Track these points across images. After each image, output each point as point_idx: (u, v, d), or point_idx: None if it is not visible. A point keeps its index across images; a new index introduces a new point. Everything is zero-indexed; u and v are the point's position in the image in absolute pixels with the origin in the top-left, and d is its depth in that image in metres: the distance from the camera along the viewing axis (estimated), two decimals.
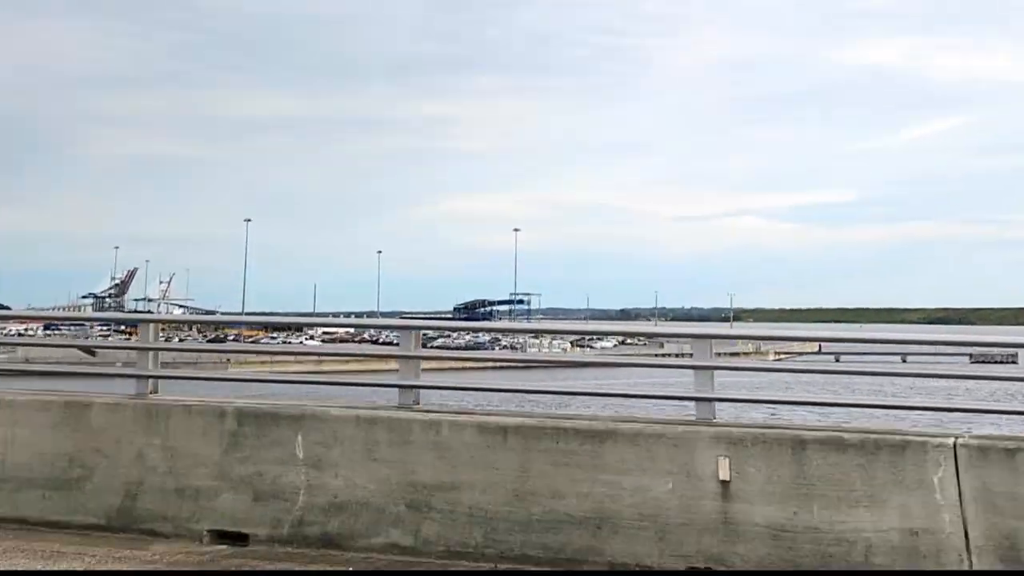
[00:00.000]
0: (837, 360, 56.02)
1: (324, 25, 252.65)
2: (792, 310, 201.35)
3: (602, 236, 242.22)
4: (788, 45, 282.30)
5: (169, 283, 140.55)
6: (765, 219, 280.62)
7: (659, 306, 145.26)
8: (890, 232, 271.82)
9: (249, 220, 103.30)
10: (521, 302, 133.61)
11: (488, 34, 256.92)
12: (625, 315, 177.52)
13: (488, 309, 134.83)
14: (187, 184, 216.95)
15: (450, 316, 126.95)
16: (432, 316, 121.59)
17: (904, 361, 46.06)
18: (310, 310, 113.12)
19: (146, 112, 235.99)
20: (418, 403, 6.84)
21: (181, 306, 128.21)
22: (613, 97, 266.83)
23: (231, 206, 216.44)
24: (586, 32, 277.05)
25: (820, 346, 75.98)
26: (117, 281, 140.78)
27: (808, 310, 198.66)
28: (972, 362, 54.66)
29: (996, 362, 54.30)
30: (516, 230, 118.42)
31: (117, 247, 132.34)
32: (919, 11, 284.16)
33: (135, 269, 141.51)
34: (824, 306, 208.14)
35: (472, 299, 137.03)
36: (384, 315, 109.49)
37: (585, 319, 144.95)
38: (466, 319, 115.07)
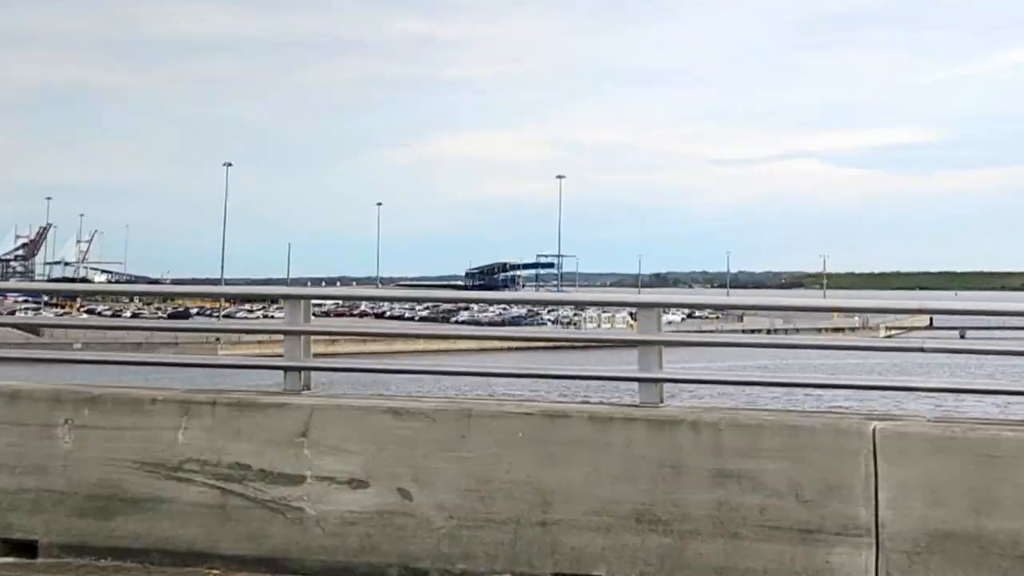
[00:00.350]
0: (962, 336, 43.18)
1: None
2: (866, 274, 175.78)
3: (629, 185, 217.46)
4: None
5: (90, 243, 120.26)
6: (828, 164, 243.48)
7: (701, 269, 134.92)
8: (985, 179, 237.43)
9: (230, 164, 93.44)
10: (551, 265, 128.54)
11: None
12: (661, 280, 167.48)
13: (510, 275, 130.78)
14: (115, 121, 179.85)
15: (462, 283, 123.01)
16: (440, 283, 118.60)
17: None
18: (283, 276, 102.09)
19: (60, 27, 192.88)
20: (308, 387, 6.09)
21: (105, 271, 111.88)
22: (641, 16, 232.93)
23: (173, 148, 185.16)
24: None
25: (932, 319, 66.56)
26: (25, 241, 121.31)
27: (886, 274, 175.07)
28: None
29: None
30: (560, 177, 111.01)
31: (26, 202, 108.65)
32: None
33: (48, 226, 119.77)
34: (905, 270, 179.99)
35: (491, 262, 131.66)
36: (385, 282, 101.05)
37: (609, 285, 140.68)
38: (481, 287, 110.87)
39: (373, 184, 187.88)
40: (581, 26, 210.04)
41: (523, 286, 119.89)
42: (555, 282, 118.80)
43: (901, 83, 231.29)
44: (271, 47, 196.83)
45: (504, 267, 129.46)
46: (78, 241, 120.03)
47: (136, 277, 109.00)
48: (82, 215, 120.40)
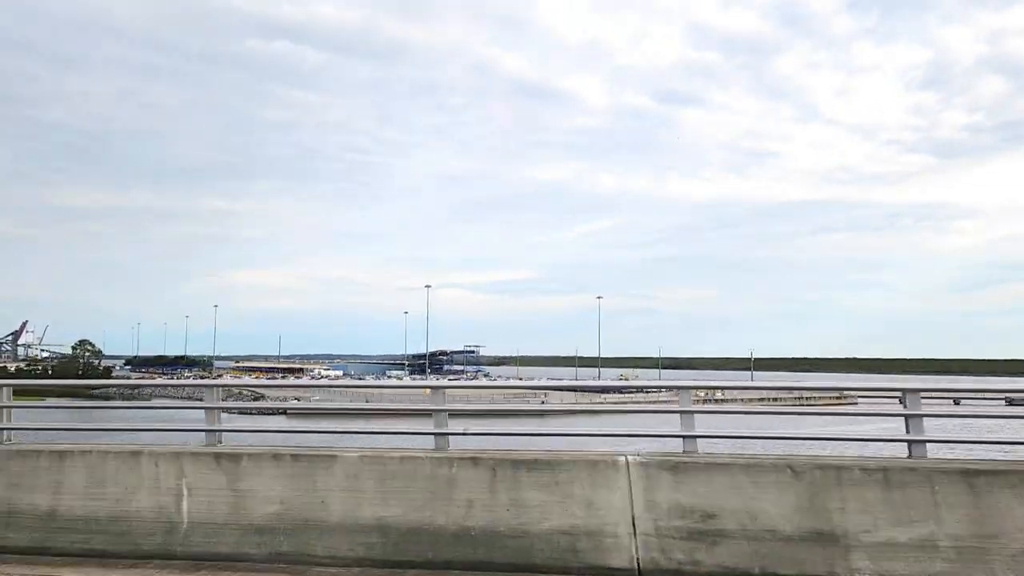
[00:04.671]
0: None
1: (142, 138, 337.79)
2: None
3: (347, 303, 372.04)
4: (491, 165, 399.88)
5: (44, 333, 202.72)
6: (468, 291, 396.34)
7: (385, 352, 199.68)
8: (564, 301, 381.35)
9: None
10: (472, 352, 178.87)
11: (268, 150, 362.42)
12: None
13: (448, 357, 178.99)
14: (31, 259, 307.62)
15: (409, 364, 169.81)
16: (393, 363, 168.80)
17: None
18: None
19: None
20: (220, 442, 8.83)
21: (44, 350, 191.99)
22: (360, 199, 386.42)
23: (65, 277, 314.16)
24: (342, 150, 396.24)
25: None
26: (14, 331, 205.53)
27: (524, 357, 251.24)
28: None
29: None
30: (428, 286, 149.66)
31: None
32: (587, 143, 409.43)
33: (25, 321, 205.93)
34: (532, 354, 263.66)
35: (432, 350, 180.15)
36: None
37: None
38: (422, 368, 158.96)
39: (195, 300, 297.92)
40: (323, 206, 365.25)
41: (455, 365, 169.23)
42: (475, 364, 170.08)
43: (515, 244, 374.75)
44: (125, 214, 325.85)
45: (443, 353, 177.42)
46: (29, 332, 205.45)
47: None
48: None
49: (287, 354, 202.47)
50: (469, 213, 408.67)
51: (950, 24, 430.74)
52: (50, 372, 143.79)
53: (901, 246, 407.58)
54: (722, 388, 11.39)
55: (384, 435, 9.29)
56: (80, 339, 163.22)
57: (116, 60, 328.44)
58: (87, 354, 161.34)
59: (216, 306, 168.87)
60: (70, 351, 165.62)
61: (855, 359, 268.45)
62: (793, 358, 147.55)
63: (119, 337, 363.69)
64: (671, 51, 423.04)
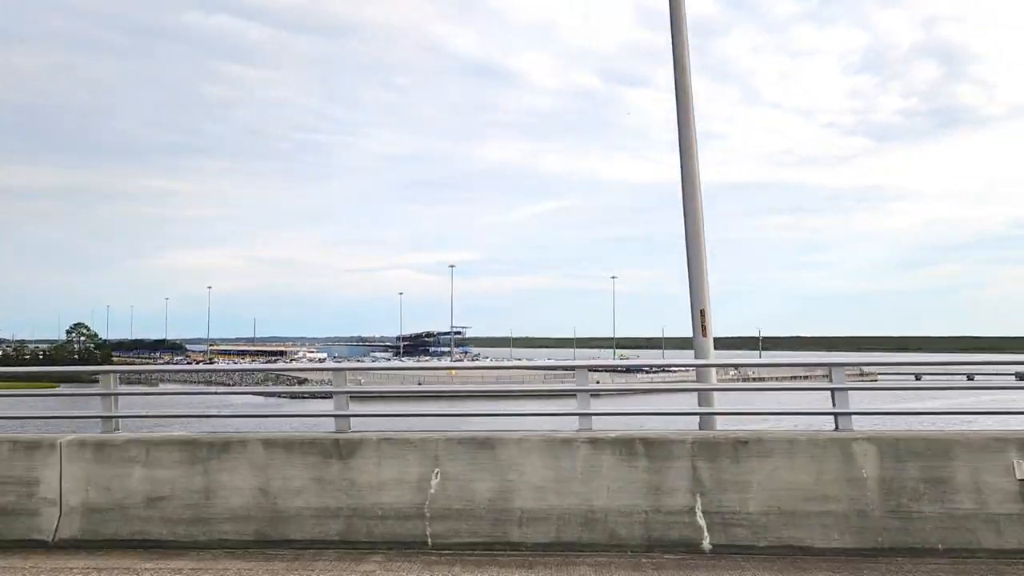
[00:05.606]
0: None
1: (81, 114, 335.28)
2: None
3: (295, 283, 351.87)
4: (439, 145, 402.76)
5: None
6: (415, 271, 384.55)
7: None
8: (508, 282, 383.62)
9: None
10: (459, 333, 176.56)
11: (213, 128, 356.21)
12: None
13: (435, 338, 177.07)
14: None
15: (392, 346, 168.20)
16: (377, 344, 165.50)
17: None
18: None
19: None
20: None
21: None
22: (307, 179, 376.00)
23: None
24: (288, 128, 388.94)
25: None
26: None
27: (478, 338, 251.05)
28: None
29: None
30: (451, 266, 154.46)
31: None
32: (534, 123, 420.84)
33: None
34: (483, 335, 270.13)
35: (418, 331, 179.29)
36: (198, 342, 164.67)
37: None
38: (415, 347, 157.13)
39: (142, 281, 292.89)
40: (270, 185, 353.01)
41: (444, 346, 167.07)
42: (463, 344, 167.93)
43: (462, 224, 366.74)
44: (75, 192, 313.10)
45: (430, 334, 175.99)
46: None
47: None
48: None
49: (242, 336, 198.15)
50: (419, 193, 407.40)
51: (887, 9, 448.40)
52: (41, 357, 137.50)
53: (840, 227, 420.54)
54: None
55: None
56: (75, 322, 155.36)
57: (52, 34, 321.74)
58: (83, 338, 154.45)
59: (210, 287, 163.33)
60: (65, 336, 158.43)
61: (799, 337, 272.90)
62: (742, 337, 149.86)
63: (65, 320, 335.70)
64: (619, 31, 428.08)
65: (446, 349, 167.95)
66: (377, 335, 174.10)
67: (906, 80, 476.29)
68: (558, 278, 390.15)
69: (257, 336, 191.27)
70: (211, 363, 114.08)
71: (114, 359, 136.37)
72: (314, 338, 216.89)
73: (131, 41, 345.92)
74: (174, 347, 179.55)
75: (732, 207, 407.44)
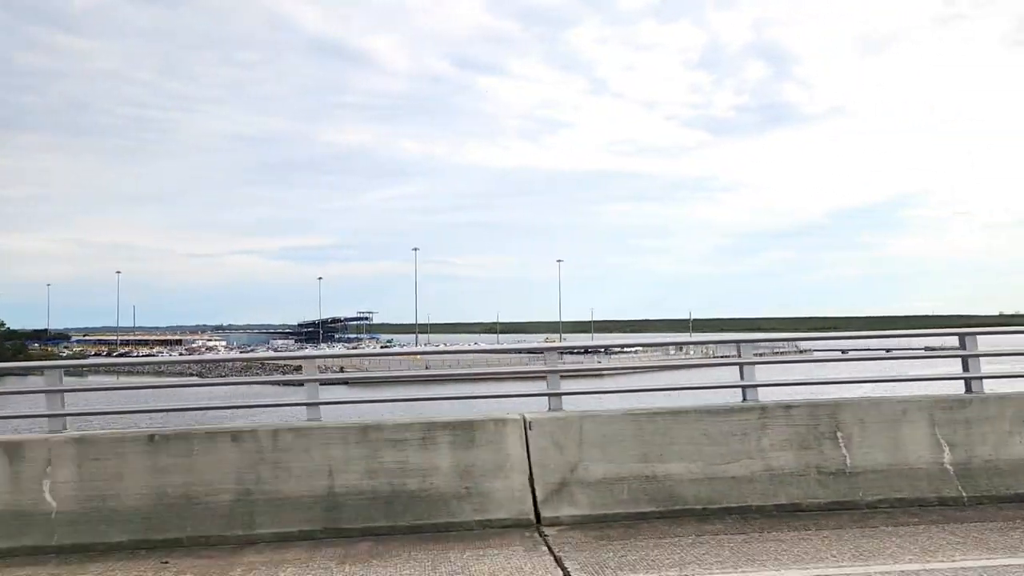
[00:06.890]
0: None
1: None
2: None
3: (129, 271, 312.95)
4: (288, 126, 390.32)
5: None
6: (262, 258, 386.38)
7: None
8: (363, 268, 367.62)
9: None
10: (366, 319, 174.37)
11: (26, 99, 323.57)
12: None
13: (343, 324, 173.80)
14: None
15: (292, 333, 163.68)
16: (277, 332, 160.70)
17: None
18: None
19: None
20: None
21: None
22: (139, 157, 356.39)
23: None
24: (117, 103, 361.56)
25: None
26: None
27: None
28: None
29: None
30: (415, 248, 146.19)
31: None
32: (388, 105, 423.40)
33: None
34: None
35: (317, 318, 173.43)
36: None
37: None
38: (319, 335, 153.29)
39: None
40: (98, 163, 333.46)
41: (350, 333, 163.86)
42: (367, 329, 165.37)
43: (312, 208, 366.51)
44: None
45: (336, 320, 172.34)
46: None
47: None
48: None
49: (91, 326, 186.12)
50: (265, 175, 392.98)
51: (722, 9, 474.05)
52: None
53: (679, 215, 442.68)
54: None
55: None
56: None
57: None
58: None
59: (119, 272, 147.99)
60: None
61: (651, 320, 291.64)
62: (598, 321, 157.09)
63: None
64: (471, 16, 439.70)
65: (353, 336, 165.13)
66: (239, 323, 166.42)
67: (739, 78, 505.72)
68: (411, 264, 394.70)
69: (113, 326, 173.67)
70: (125, 356, 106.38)
71: (31, 352, 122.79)
72: (168, 326, 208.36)
73: None
74: (60, 337, 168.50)
75: (582, 194, 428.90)
